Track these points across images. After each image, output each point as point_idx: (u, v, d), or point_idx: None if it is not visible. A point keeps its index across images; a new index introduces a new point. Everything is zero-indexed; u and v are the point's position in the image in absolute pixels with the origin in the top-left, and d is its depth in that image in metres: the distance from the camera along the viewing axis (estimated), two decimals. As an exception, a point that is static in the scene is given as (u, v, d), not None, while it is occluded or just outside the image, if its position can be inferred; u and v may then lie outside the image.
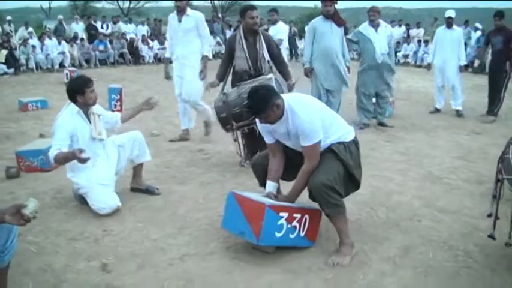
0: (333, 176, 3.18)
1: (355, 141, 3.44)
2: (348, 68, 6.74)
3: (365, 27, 7.15)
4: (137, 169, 4.37)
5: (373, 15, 7.13)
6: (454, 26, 8.48)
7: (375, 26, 7.11)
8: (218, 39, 19.17)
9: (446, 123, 7.77)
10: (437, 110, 8.66)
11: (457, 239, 3.58)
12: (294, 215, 3.22)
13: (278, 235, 3.13)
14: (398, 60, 18.31)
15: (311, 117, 3.18)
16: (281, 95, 3.31)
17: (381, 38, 7.10)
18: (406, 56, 18.46)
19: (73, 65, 15.03)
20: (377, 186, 4.63)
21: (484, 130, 7.33)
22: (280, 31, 8.87)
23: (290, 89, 5.00)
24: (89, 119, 4.01)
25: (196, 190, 4.50)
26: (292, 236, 3.23)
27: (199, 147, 5.95)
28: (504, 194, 3.27)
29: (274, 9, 9.43)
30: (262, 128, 3.45)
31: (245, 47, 4.97)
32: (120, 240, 3.49)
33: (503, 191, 3.27)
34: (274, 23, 9.07)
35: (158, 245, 3.42)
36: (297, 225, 3.25)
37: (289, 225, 3.18)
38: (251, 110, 3.29)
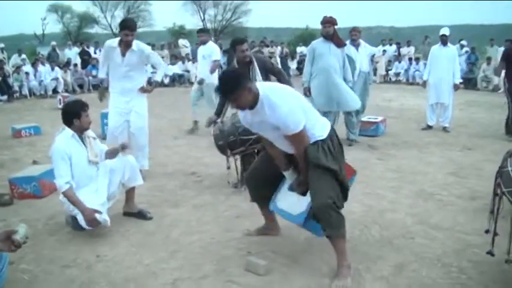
0: (330, 192, 3.16)
1: (331, 134, 3.33)
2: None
3: (347, 47, 7.24)
4: (129, 193, 4.37)
5: (355, 35, 7.40)
6: (449, 44, 8.61)
7: (356, 45, 7.31)
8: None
9: (438, 140, 7.82)
10: (429, 127, 8.72)
11: (451, 256, 3.58)
12: None
13: None
14: (390, 79, 18.51)
15: (290, 107, 3.07)
16: (256, 83, 3.22)
17: (362, 56, 7.31)
18: (397, 74, 18.63)
19: (66, 91, 15.09)
20: (369, 205, 4.64)
21: (477, 146, 7.37)
22: (212, 52, 8.47)
23: None
24: (84, 143, 4.03)
25: (189, 213, 4.49)
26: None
27: (192, 170, 5.95)
28: (502, 209, 3.26)
29: (202, 30, 9.39)
30: (243, 120, 3.40)
31: None
32: (113, 265, 3.47)
33: (502, 206, 3.26)
34: (204, 43, 8.70)
35: (151, 269, 3.40)
36: None
37: None
38: (220, 90, 3.15)
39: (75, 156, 3.93)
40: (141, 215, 4.33)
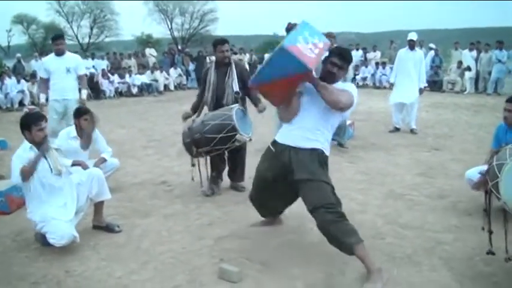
0: (333, 202, 3.32)
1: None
2: None
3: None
4: (98, 206, 4.28)
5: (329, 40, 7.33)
6: (416, 48, 8.79)
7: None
8: (179, 70, 19.23)
9: (406, 141, 7.95)
10: (396, 129, 8.86)
11: (421, 254, 3.63)
12: None
13: None
14: (357, 83, 18.76)
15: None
16: None
17: None
18: (364, 79, 18.91)
19: (33, 103, 14.66)
20: (341, 207, 4.66)
21: (444, 146, 7.52)
22: (78, 64, 7.09)
23: (261, 111, 5.17)
24: (44, 154, 3.92)
25: (160, 223, 4.43)
26: None
27: (162, 180, 5.87)
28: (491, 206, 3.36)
29: (61, 36, 7.71)
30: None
31: (212, 79, 5.15)
32: (83, 280, 3.39)
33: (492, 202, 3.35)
34: (62, 53, 7.01)
35: (122, 282, 3.33)
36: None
37: None
38: (341, 56, 3.47)
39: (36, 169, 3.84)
40: (109, 229, 4.24)
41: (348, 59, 3.57)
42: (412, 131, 8.67)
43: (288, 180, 3.48)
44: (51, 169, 3.91)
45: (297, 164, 3.42)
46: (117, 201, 4.94)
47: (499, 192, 3.07)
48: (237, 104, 5.01)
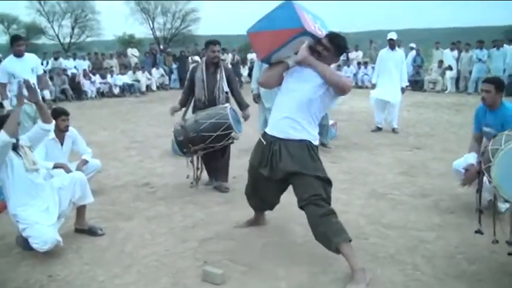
0: (323, 198, 3.35)
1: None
2: None
3: None
4: (80, 210, 4.22)
5: None
6: (397, 48, 8.87)
7: None
8: (161, 70, 19.12)
9: (388, 141, 8.01)
10: (378, 129, 8.93)
11: (404, 253, 3.66)
12: None
13: None
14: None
15: None
16: None
17: None
18: (347, 78, 18.99)
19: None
20: (324, 207, 4.68)
21: (425, 145, 7.60)
22: (38, 63, 6.93)
23: (246, 118, 5.52)
24: (18, 152, 3.86)
25: (143, 226, 4.39)
26: None
27: (144, 181, 5.83)
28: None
29: (21, 37, 7.71)
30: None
31: (204, 77, 5.29)
32: (65, 285, 3.34)
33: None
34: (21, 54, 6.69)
35: (105, 286, 3.29)
36: None
37: None
38: (331, 40, 3.45)
39: (12, 162, 3.79)
40: (92, 232, 4.19)
41: (338, 44, 3.49)
42: (393, 130, 8.75)
43: (280, 171, 3.48)
44: (25, 168, 3.85)
45: (287, 156, 3.43)
46: (100, 205, 4.88)
47: (491, 176, 3.14)
48: (228, 104, 5.23)
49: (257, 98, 6.92)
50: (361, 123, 9.86)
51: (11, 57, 6.63)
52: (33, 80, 6.18)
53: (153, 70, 18.92)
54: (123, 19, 50.07)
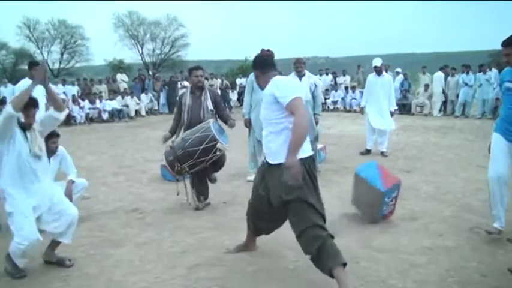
0: (315, 224, 3.35)
1: (311, 157, 3.58)
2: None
3: (291, 78, 7.39)
4: (54, 244, 4.09)
5: (300, 67, 7.39)
6: (384, 73, 8.98)
7: (300, 76, 7.38)
8: (150, 95, 19.16)
9: (377, 164, 8.02)
10: (367, 151, 8.97)
11: (396, 277, 3.64)
12: None
13: None
14: (328, 107, 19.01)
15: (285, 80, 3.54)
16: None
17: (304, 86, 7.38)
18: (334, 102, 19.20)
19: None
20: (315, 232, 4.65)
21: (414, 168, 7.63)
22: None
23: (232, 126, 5.64)
24: (26, 136, 3.86)
25: (132, 252, 4.32)
26: None
27: (133, 207, 5.77)
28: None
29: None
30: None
31: (188, 102, 5.61)
32: (51, 314, 3.27)
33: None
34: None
35: (93, 315, 3.23)
36: None
37: None
38: (258, 64, 3.75)
39: (18, 141, 3.80)
40: (60, 263, 4.04)
41: (256, 64, 3.78)
42: (382, 154, 8.80)
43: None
44: (30, 150, 3.83)
45: (273, 182, 3.49)
46: (88, 231, 4.82)
47: None
48: (212, 119, 5.40)
49: (248, 123, 6.92)
50: (350, 146, 9.90)
51: (26, 80, 6.73)
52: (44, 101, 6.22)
53: (142, 95, 18.96)
54: (112, 45, 50.17)
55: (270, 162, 3.54)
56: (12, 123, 3.72)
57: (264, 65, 3.72)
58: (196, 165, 5.22)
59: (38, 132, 3.97)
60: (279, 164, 3.40)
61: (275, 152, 3.48)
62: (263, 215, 3.85)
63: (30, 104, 3.83)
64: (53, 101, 4.00)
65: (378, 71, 8.85)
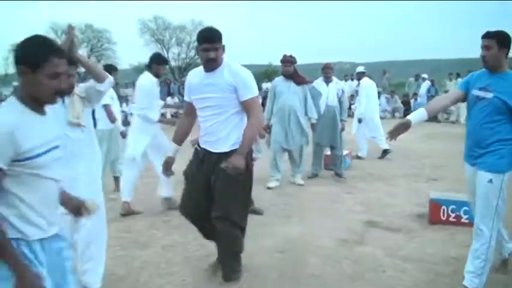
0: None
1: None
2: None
3: (319, 83, 7.42)
4: None
5: (328, 72, 7.46)
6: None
7: (328, 81, 7.43)
8: (176, 99, 19.35)
9: (403, 172, 7.96)
10: (385, 152, 9.24)
11: (422, 287, 3.61)
12: None
13: None
14: (353, 113, 18.84)
15: (250, 75, 3.52)
16: None
17: (331, 91, 7.41)
18: (360, 108, 19.05)
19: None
20: (339, 239, 4.64)
21: (440, 176, 7.55)
22: None
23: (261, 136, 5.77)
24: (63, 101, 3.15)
25: (159, 254, 4.38)
26: None
27: (159, 210, 5.84)
28: None
29: None
30: (189, 84, 3.66)
31: None
32: (80, 313, 3.34)
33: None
34: None
35: (120, 315, 3.28)
36: None
37: None
38: (206, 36, 3.39)
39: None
40: None
41: (215, 37, 3.40)
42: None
43: None
44: (68, 119, 3.16)
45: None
46: (117, 232, 4.90)
47: None
48: None
49: (267, 128, 6.92)
50: (374, 152, 9.83)
51: None
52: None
53: (168, 99, 19.16)
54: (138, 49, 50.83)
55: (213, 151, 3.57)
56: None
57: None
58: None
59: (80, 97, 3.29)
60: (224, 153, 3.46)
61: (222, 140, 3.52)
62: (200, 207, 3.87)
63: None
64: (89, 71, 3.33)
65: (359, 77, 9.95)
